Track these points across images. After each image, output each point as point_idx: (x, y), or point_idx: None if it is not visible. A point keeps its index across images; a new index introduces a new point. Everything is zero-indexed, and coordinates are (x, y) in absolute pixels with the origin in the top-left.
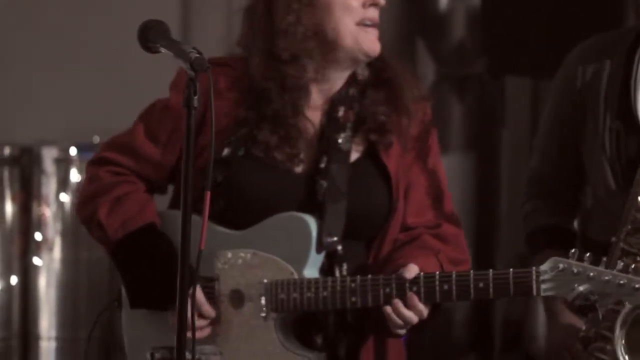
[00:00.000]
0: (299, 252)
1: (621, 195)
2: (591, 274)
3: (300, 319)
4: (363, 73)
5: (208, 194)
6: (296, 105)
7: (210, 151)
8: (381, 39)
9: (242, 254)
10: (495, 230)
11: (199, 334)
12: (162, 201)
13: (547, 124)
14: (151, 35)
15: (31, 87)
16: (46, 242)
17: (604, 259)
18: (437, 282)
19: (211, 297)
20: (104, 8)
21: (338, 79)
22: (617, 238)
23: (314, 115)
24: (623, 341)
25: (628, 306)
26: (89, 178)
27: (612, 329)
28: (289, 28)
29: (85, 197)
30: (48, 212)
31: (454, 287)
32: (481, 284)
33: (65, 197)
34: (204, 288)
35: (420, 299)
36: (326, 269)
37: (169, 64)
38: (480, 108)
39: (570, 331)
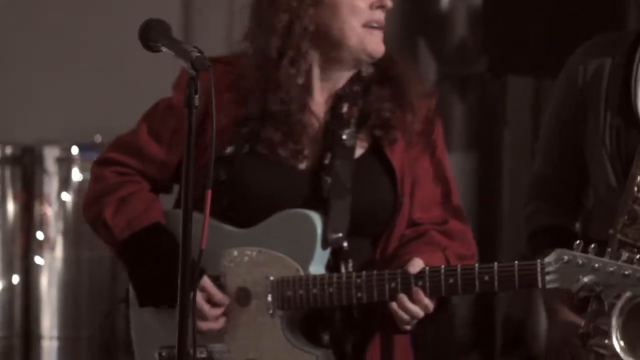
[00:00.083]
0: (304, 248)
1: (621, 192)
2: (596, 265)
3: (307, 316)
4: (367, 70)
5: (209, 193)
6: (300, 102)
7: (211, 150)
8: (383, 38)
9: (248, 252)
10: (497, 230)
11: (214, 325)
12: (168, 200)
13: (549, 125)
14: (152, 35)
15: (32, 86)
16: (48, 242)
17: (609, 249)
18: (442, 276)
19: None
20: (104, 8)
21: (341, 78)
22: (615, 230)
23: (317, 111)
24: (619, 332)
25: (625, 295)
26: (94, 179)
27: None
28: (284, 26)
29: (91, 198)
30: (50, 211)
31: (459, 281)
32: (486, 277)
33: (67, 197)
34: None
35: (425, 294)
36: (332, 266)
37: (170, 64)
38: (482, 107)
39: (570, 328)
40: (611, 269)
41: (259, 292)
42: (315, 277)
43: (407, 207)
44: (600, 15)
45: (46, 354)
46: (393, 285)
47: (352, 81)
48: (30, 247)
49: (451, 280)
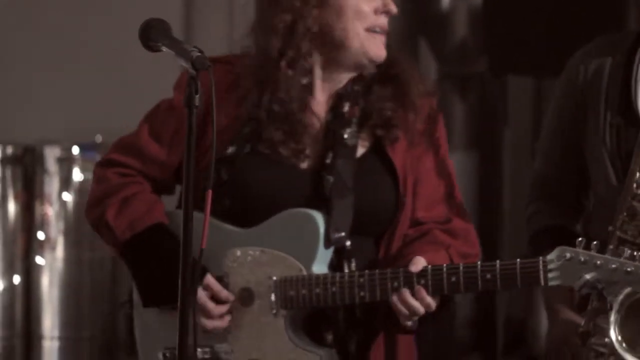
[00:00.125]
0: (307, 248)
1: (621, 190)
2: (598, 262)
3: (311, 315)
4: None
5: (209, 193)
6: (300, 101)
7: (212, 150)
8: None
9: (250, 252)
10: (497, 229)
11: (220, 323)
12: (170, 201)
13: (550, 126)
14: (152, 34)
15: (33, 86)
16: (49, 242)
17: (611, 246)
18: (444, 274)
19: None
20: (104, 8)
21: (342, 79)
22: (614, 227)
23: (319, 110)
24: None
25: (625, 291)
26: (96, 180)
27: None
28: (286, 26)
29: (93, 200)
30: (51, 211)
31: (461, 279)
32: (489, 275)
33: (67, 197)
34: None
35: (428, 292)
36: (335, 265)
37: (171, 64)
38: (482, 107)
39: (570, 327)
40: (613, 266)
41: (262, 292)
42: (318, 276)
43: (409, 206)
44: (601, 15)
45: (47, 354)
46: (395, 284)
47: (353, 80)
48: (31, 247)
49: (453, 279)
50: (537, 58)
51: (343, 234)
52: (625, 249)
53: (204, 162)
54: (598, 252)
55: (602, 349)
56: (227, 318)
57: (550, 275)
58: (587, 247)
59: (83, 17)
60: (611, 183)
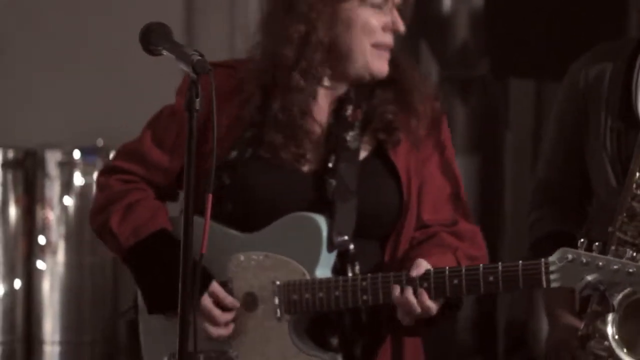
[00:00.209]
0: (310, 252)
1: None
2: (600, 263)
3: (315, 320)
4: None
5: (209, 197)
6: (303, 107)
7: (213, 153)
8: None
9: (254, 257)
10: (499, 232)
11: (224, 331)
12: (174, 207)
13: (552, 131)
14: (153, 38)
15: (34, 90)
16: (50, 246)
17: (612, 247)
18: (446, 277)
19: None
20: (105, 9)
21: (344, 87)
22: (614, 227)
23: (320, 114)
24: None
25: (623, 291)
26: (100, 188)
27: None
28: (300, 37)
29: (97, 207)
30: (52, 215)
31: (463, 282)
32: (491, 278)
33: (68, 201)
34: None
35: (430, 295)
36: (339, 269)
37: (172, 67)
38: (484, 110)
39: (570, 331)
40: (615, 267)
41: (266, 297)
42: (321, 280)
43: (414, 209)
44: (602, 18)
45: (48, 358)
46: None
47: (355, 85)
48: (32, 251)
49: (455, 281)
50: (539, 61)
51: (346, 237)
52: (627, 249)
53: (206, 166)
54: (600, 253)
55: (601, 353)
56: (232, 326)
57: (552, 276)
58: (589, 248)
59: (84, 20)
60: (612, 186)
